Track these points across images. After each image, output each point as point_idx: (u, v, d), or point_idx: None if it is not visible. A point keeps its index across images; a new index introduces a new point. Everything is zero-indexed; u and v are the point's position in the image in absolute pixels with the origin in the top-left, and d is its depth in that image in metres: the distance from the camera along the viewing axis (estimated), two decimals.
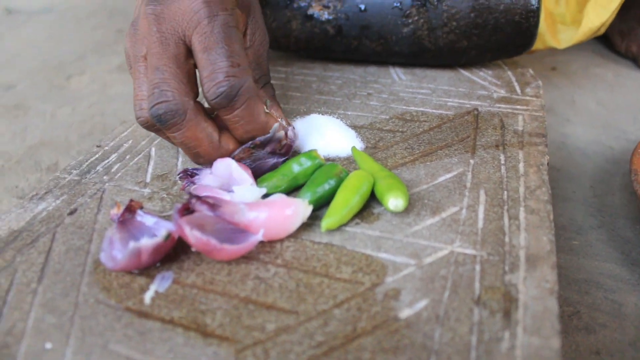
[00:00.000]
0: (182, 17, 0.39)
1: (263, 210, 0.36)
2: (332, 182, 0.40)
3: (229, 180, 0.41)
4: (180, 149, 0.47)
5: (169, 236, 0.35)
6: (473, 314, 0.31)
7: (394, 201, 0.37)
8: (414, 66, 0.62)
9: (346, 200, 0.38)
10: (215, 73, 0.38)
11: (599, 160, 0.62)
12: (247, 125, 0.40)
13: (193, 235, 0.34)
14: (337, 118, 0.51)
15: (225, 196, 0.38)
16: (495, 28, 0.55)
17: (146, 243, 0.34)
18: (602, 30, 0.70)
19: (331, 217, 0.37)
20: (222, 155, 0.41)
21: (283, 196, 0.39)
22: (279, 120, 0.42)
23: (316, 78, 0.60)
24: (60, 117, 0.74)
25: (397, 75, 0.60)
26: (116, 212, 0.37)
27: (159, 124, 0.39)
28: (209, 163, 0.42)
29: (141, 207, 0.38)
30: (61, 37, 1.02)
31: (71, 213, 0.40)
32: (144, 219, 0.37)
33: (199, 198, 0.36)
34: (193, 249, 0.36)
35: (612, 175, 0.59)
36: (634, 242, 0.49)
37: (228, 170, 0.41)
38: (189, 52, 0.39)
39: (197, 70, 0.41)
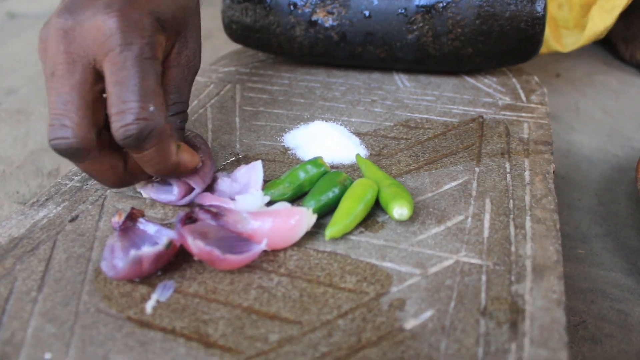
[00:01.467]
0: (93, 39, 0.35)
1: (267, 219, 0.36)
2: (337, 190, 0.39)
3: (246, 186, 0.41)
4: None
5: (170, 244, 0.34)
6: (479, 325, 0.31)
7: (399, 210, 0.37)
8: (419, 73, 0.62)
9: (350, 209, 0.37)
10: (124, 113, 0.34)
11: (604, 168, 0.61)
12: (156, 165, 0.37)
13: (196, 245, 0.33)
14: (341, 125, 0.50)
15: (229, 204, 0.38)
16: (500, 35, 0.55)
17: (147, 251, 0.33)
18: (604, 34, 0.71)
19: (335, 225, 0.37)
20: (130, 183, 0.40)
21: (287, 205, 0.38)
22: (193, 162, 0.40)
23: (320, 84, 0.60)
24: None
25: (402, 82, 0.60)
26: (118, 220, 0.37)
27: (60, 155, 0.35)
28: (117, 188, 0.41)
29: (143, 215, 0.37)
30: None
31: (72, 220, 0.40)
32: (145, 227, 0.37)
33: (201, 207, 0.36)
34: (195, 258, 0.35)
35: (618, 183, 0.59)
36: None
37: (248, 175, 0.41)
38: (98, 77, 0.36)
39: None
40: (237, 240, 0.36)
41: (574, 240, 0.50)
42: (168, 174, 0.39)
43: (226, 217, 0.36)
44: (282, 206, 0.38)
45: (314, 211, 0.38)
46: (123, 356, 0.30)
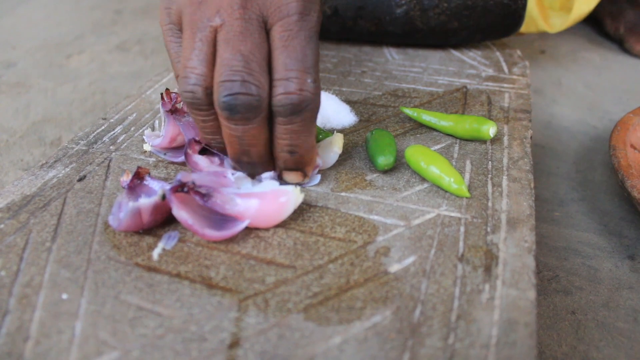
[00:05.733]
0: (272, 0, 0.35)
1: (253, 201, 0.37)
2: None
3: None
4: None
5: (165, 196, 0.37)
6: (457, 269, 0.34)
7: (493, 129, 0.44)
8: (407, 46, 0.64)
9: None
10: (288, 81, 0.34)
11: (583, 138, 0.64)
12: (295, 139, 0.37)
13: (179, 215, 0.35)
14: (333, 94, 0.53)
15: (225, 179, 0.39)
16: (484, 9, 0.58)
17: (144, 202, 0.36)
18: (589, 14, 0.73)
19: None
20: (267, 164, 0.39)
21: (275, 184, 0.39)
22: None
23: None
24: (61, 95, 0.76)
25: (390, 55, 0.62)
26: (126, 178, 0.39)
27: (225, 113, 0.35)
28: (247, 168, 0.39)
29: (148, 174, 0.40)
30: (59, 16, 1.03)
31: (80, 179, 0.43)
32: (151, 184, 0.40)
33: (191, 188, 0.36)
34: None
35: (595, 152, 0.62)
36: (612, 214, 0.52)
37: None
38: (268, 38, 0.36)
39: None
40: (223, 217, 0.37)
41: (551, 204, 0.54)
42: (305, 153, 0.38)
43: (214, 198, 0.37)
44: (271, 186, 0.39)
45: (392, 164, 0.41)
46: (133, 296, 0.33)
